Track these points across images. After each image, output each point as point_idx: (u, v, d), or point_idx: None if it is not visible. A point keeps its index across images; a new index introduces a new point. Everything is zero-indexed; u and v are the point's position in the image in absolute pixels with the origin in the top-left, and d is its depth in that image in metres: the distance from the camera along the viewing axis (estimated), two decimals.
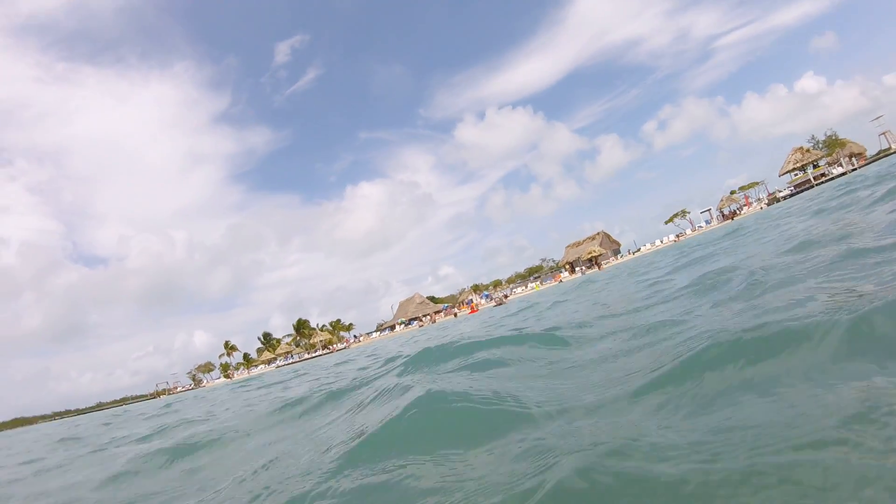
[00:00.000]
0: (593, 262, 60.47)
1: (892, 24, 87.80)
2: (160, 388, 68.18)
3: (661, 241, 57.98)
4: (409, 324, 66.50)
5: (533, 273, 68.84)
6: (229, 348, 71.27)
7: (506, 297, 58.72)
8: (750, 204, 52.96)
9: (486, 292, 68.29)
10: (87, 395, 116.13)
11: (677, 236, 56.80)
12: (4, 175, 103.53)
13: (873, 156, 46.61)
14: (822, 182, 43.78)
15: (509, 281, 70.10)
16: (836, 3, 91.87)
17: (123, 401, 71.70)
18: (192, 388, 66.43)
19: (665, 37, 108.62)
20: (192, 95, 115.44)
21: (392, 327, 68.62)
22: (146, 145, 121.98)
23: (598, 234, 61.82)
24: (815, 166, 47.77)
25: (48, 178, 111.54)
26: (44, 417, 68.45)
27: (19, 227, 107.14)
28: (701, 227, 56.43)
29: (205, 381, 69.31)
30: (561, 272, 64.06)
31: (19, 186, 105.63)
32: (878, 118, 46.09)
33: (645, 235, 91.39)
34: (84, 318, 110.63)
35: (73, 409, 70.60)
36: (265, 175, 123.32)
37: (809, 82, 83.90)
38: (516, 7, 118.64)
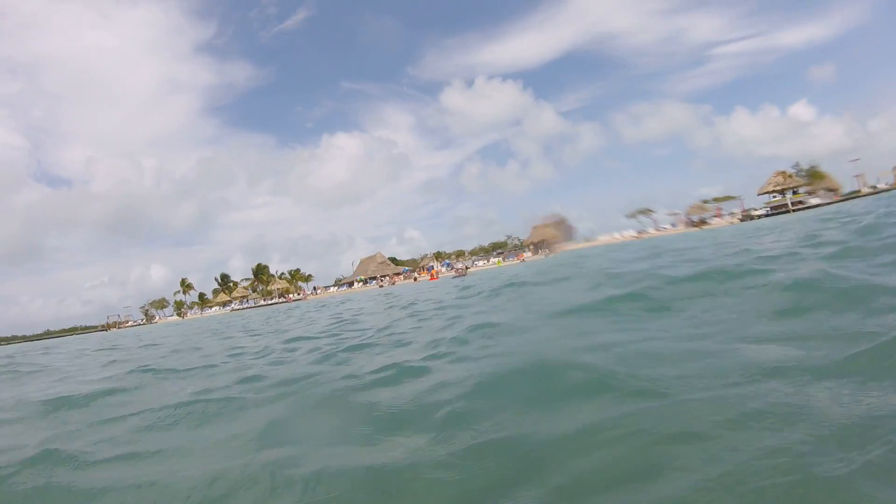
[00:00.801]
0: (547, 245, 59.78)
1: (888, 67, 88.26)
2: (111, 320, 67.65)
3: (621, 235, 57.08)
4: (368, 283, 66.13)
5: (497, 248, 68.26)
6: (185, 286, 70.38)
7: (467, 268, 58.21)
8: (721, 216, 51.93)
9: (447, 261, 67.59)
10: (36, 322, 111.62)
11: (639, 233, 55.90)
12: None
13: (845, 195, 46.07)
14: (799, 209, 42.97)
15: (472, 253, 69.51)
16: (841, 34, 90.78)
17: (73, 330, 71.12)
18: (144, 324, 66.27)
19: (655, 35, 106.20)
20: (177, 21, 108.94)
21: (350, 284, 68.23)
22: (125, 67, 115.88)
23: (556, 217, 61.00)
24: (794, 192, 46.77)
25: (18, 91, 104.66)
26: None
27: None
28: (665, 228, 55.35)
29: (157, 318, 69.01)
30: (525, 251, 63.40)
31: None
32: (855, 160, 46.65)
33: (603, 226, 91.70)
34: (41, 241, 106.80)
35: (20, 335, 70.18)
36: (242, 111, 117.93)
37: (802, 109, 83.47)
38: None
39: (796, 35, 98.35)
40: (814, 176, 49.16)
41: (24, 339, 66.94)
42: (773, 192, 48.51)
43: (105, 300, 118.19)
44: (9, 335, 68.98)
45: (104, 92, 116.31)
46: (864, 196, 42.84)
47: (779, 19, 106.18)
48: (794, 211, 43.60)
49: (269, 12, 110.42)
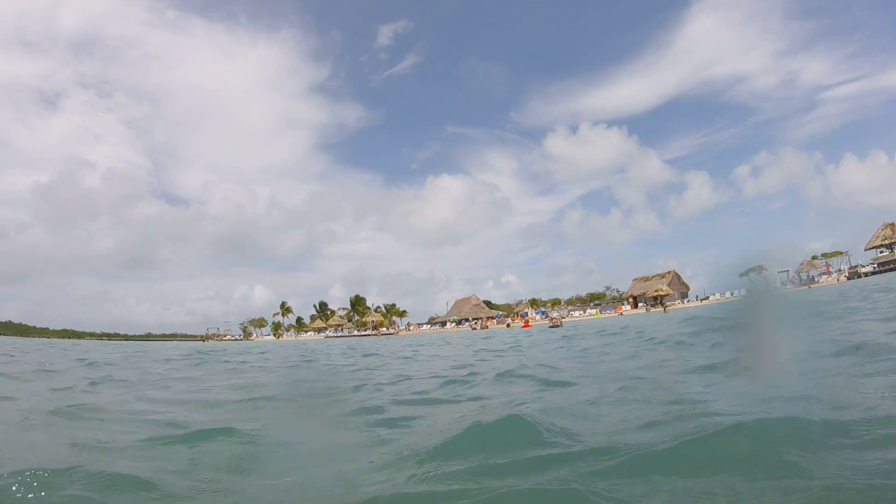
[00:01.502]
0: (658, 300, 61.38)
1: None
2: (210, 332, 69.50)
3: (732, 294, 58.66)
4: (461, 323, 67.56)
5: (595, 299, 69.72)
6: (285, 309, 72.79)
7: (561, 318, 59.49)
8: (830, 273, 53.50)
9: (542, 308, 69.28)
10: (140, 324, 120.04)
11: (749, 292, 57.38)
12: (103, 106, 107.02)
13: None
14: None
15: (569, 302, 71.05)
16: None
17: (173, 336, 73.04)
18: (241, 340, 67.64)
19: (772, 78, 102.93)
20: (294, 62, 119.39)
21: (443, 323, 69.66)
22: (243, 102, 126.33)
23: (669, 272, 62.97)
24: None
25: (144, 116, 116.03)
26: (92, 335, 69.82)
27: (108, 156, 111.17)
28: (776, 286, 57.12)
29: (254, 335, 70.52)
30: (623, 304, 64.78)
31: (115, 118, 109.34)
32: None
33: (716, 283, 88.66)
34: (154, 252, 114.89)
35: (121, 333, 72.34)
36: (351, 150, 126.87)
37: None
38: (625, 24, 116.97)
39: None
40: None
41: (126, 337, 68.64)
42: (881, 246, 47.53)
43: (208, 312, 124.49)
44: (111, 332, 71.13)
45: (224, 122, 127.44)
46: None
47: (884, 59, 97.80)
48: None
49: (380, 57, 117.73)
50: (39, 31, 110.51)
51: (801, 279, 55.37)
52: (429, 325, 70.89)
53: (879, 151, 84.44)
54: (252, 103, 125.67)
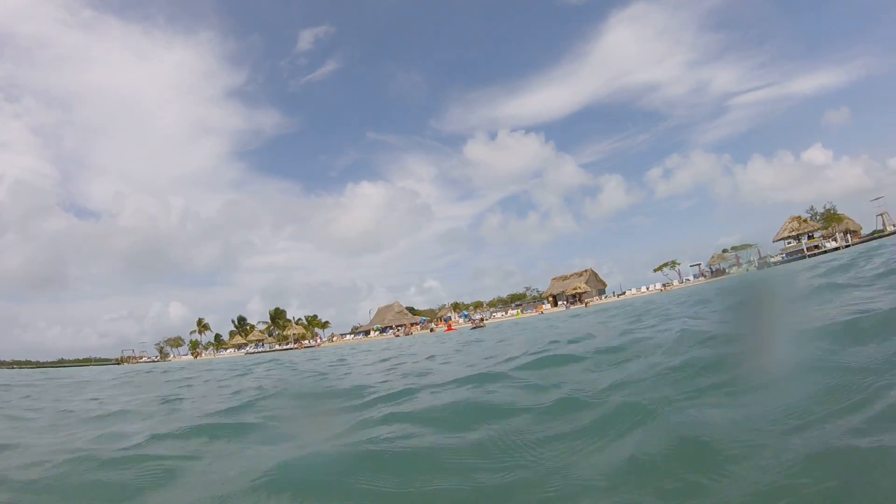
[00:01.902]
0: (577, 298, 59.80)
1: None
2: (125, 355, 67.54)
3: (647, 288, 57.27)
4: (385, 331, 65.80)
5: (515, 300, 68.05)
6: (202, 326, 70.80)
7: (483, 319, 58.04)
8: (739, 264, 52.34)
9: (465, 312, 67.51)
10: (52, 349, 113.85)
11: (664, 286, 56.04)
12: (10, 111, 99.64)
13: (867, 235, 46.13)
14: (815, 254, 43.23)
15: (491, 304, 69.33)
16: (855, 79, 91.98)
17: (87, 361, 70.95)
18: (157, 361, 65.79)
19: (683, 87, 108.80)
20: (211, 66, 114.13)
21: (367, 332, 67.91)
22: (157, 107, 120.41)
23: (586, 271, 61.20)
24: (809, 237, 47.35)
25: (53, 122, 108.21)
26: (2, 363, 67.49)
27: (15, 165, 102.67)
28: (689, 279, 55.68)
29: (171, 356, 68.64)
30: (544, 303, 63.39)
31: (23, 125, 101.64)
32: (878, 198, 45.74)
33: (632, 279, 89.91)
34: (64, 270, 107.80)
35: (33, 360, 70.16)
36: (268, 157, 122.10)
37: (816, 154, 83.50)
38: (544, 34, 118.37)
39: (808, 83, 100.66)
40: (830, 219, 49.13)
41: (38, 364, 66.63)
42: (789, 237, 48.09)
43: (122, 334, 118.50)
44: (22, 360, 68.98)
45: (136, 129, 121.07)
46: (889, 235, 41.54)
47: (792, 68, 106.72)
48: (809, 256, 43.87)
49: (299, 63, 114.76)
50: None
51: (711, 271, 54.16)
52: (352, 335, 69.09)
53: (786, 152, 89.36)
54: (166, 108, 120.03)
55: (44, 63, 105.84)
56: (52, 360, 71.13)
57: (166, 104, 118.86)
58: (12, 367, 63.05)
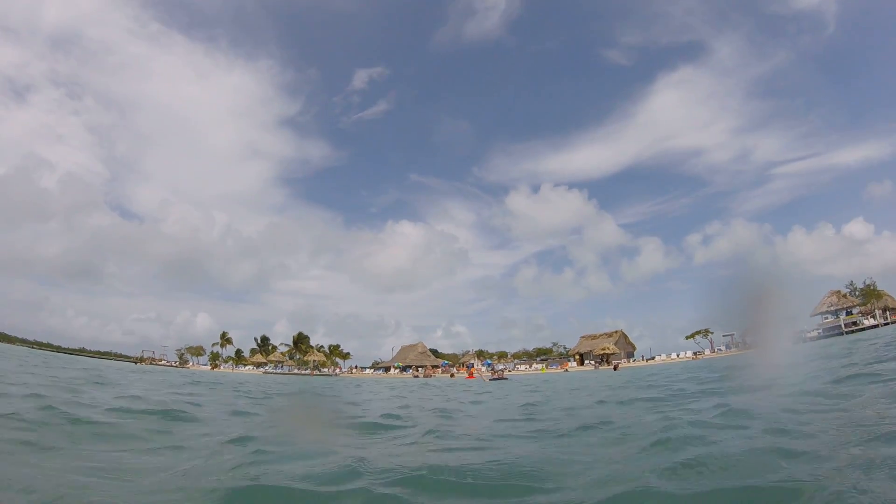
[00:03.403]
0: (605, 359, 59.10)
1: None
2: (145, 355, 67.30)
3: (678, 355, 56.62)
4: (405, 370, 65.01)
5: (541, 354, 67.18)
6: (225, 339, 70.82)
7: (504, 371, 57.19)
8: None
9: (488, 360, 66.70)
10: (75, 337, 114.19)
11: (695, 354, 55.42)
12: (70, 107, 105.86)
13: None
14: (852, 331, 43.14)
15: (516, 356, 68.43)
16: None
17: (107, 354, 70.51)
18: (176, 366, 65.40)
19: (727, 153, 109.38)
20: (267, 93, 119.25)
21: (387, 369, 67.09)
22: (211, 125, 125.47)
23: (616, 332, 61.10)
24: (848, 313, 47.49)
25: (109, 124, 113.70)
26: (24, 342, 67.61)
27: (68, 159, 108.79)
28: (720, 350, 55.16)
29: (190, 363, 68.12)
30: (570, 361, 62.59)
31: (80, 122, 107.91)
32: None
33: (662, 344, 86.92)
34: (101, 264, 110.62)
35: (54, 344, 69.99)
36: (313, 187, 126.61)
37: (858, 227, 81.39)
38: (592, 92, 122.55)
39: (853, 154, 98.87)
40: (869, 295, 48.37)
41: (58, 349, 66.35)
42: (827, 312, 47.77)
43: (146, 334, 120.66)
44: (44, 342, 68.77)
45: (187, 143, 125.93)
46: None
47: (835, 139, 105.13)
48: (846, 333, 43.64)
49: (352, 100, 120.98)
50: (22, 19, 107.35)
51: (745, 343, 53.41)
52: (372, 370, 68.20)
53: (827, 224, 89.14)
54: (219, 128, 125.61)
55: (107, 67, 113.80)
56: (73, 347, 71.09)
57: (220, 123, 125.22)
58: (33, 347, 63.27)
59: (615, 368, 51.96)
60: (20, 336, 67.82)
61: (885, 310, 45.58)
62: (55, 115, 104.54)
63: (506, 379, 37.14)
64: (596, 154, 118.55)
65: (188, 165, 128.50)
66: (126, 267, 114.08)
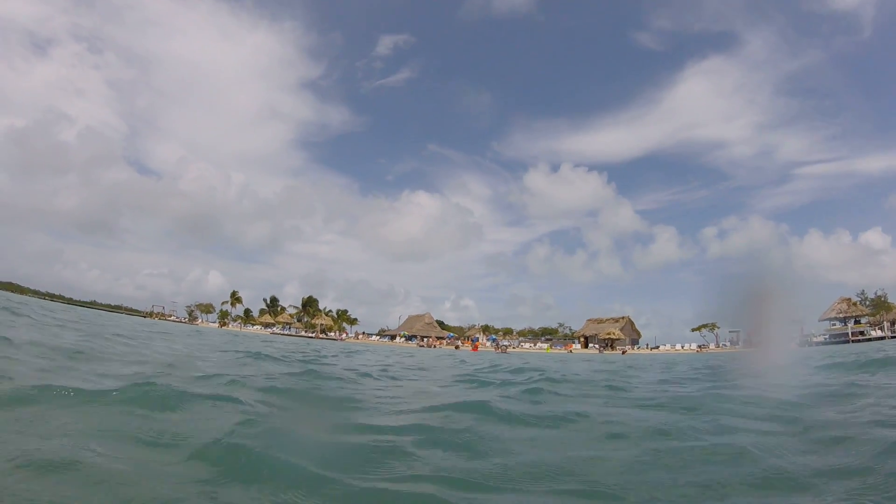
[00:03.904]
0: (609, 343, 60.24)
1: None
2: (156, 310, 68.15)
3: (682, 347, 57.69)
4: (410, 339, 66.17)
5: (546, 333, 68.44)
6: (235, 298, 71.49)
7: (507, 346, 58.66)
8: None
9: (493, 336, 67.92)
10: (87, 290, 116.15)
11: (700, 347, 56.43)
12: (91, 62, 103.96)
13: None
14: (859, 340, 43.77)
15: (521, 333, 69.72)
16: None
17: (118, 308, 71.50)
18: (185, 322, 66.28)
19: (750, 148, 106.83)
20: (290, 55, 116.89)
21: (393, 337, 68.27)
22: (232, 84, 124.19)
23: (623, 318, 61.90)
24: (856, 321, 48.03)
25: (130, 80, 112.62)
26: (35, 293, 68.52)
27: (87, 113, 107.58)
28: (725, 345, 56.15)
29: (200, 320, 69.09)
30: (574, 343, 63.72)
31: (101, 77, 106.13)
32: None
33: (668, 334, 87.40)
34: (116, 219, 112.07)
35: (66, 296, 70.80)
36: (331, 152, 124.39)
37: (875, 237, 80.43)
38: (617, 75, 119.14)
39: (877, 162, 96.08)
40: (879, 305, 48.80)
41: (70, 301, 67.10)
42: (835, 318, 48.19)
43: (157, 290, 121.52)
44: (56, 293, 69.67)
45: (208, 101, 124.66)
46: None
47: (861, 145, 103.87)
48: (853, 341, 44.40)
49: (375, 66, 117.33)
50: None
51: (750, 341, 54.40)
52: (378, 337, 69.41)
53: (844, 231, 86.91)
54: (240, 87, 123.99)
55: (131, 23, 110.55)
56: (84, 300, 71.83)
57: (241, 83, 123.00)
58: (44, 298, 63.72)
59: (623, 353, 53.34)
60: (32, 287, 68.47)
61: (893, 322, 46.15)
62: (76, 70, 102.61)
63: (505, 353, 39.66)
64: (618, 137, 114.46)
65: (207, 124, 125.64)
66: (141, 222, 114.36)
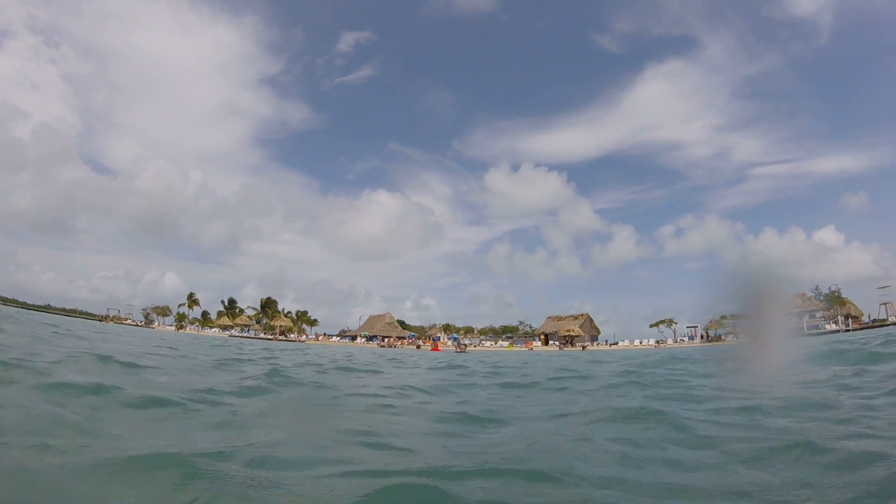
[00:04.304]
0: (569, 340, 59.18)
1: None
2: (111, 313, 67.08)
3: (641, 342, 56.67)
4: (371, 340, 65.07)
5: (507, 332, 67.24)
6: (192, 300, 70.40)
7: (467, 345, 57.73)
8: (736, 333, 51.62)
9: (454, 335, 66.74)
10: (42, 293, 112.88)
11: (658, 342, 55.36)
12: (47, 55, 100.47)
13: (868, 322, 45.67)
14: (814, 334, 42.74)
15: (482, 332, 68.51)
16: (877, 166, 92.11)
17: (73, 312, 70.32)
18: (141, 326, 65.25)
19: (707, 149, 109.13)
20: (249, 50, 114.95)
21: (354, 337, 67.17)
22: (190, 80, 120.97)
23: (582, 315, 60.74)
24: (811, 316, 46.92)
25: (86, 74, 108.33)
26: None
27: (42, 109, 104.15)
28: (683, 340, 54.99)
29: (156, 323, 68.01)
30: (535, 340, 62.67)
31: (56, 71, 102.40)
32: (884, 287, 45.67)
33: (626, 330, 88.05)
34: (71, 219, 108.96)
35: (20, 300, 69.55)
36: (290, 149, 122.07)
37: (829, 235, 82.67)
38: (579, 76, 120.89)
39: (831, 163, 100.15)
40: (833, 301, 48.57)
41: (24, 305, 66.05)
42: (790, 313, 48.17)
43: (113, 293, 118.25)
44: (9, 297, 68.51)
45: (166, 97, 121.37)
46: (890, 325, 41.70)
47: (816, 147, 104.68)
48: (808, 335, 43.55)
49: (336, 63, 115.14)
50: None
51: (707, 335, 53.58)
52: (338, 338, 68.27)
53: (798, 229, 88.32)
54: (198, 83, 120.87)
55: (89, 15, 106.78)
56: (39, 303, 70.71)
57: (199, 79, 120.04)
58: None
59: (583, 349, 52.42)
60: None
61: (847, 316, 44.94)
62: (31, 63, 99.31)
63: (464, 352, 38.94)
64: (578, 137, 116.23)
65: (165, 120, 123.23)
66: (97, 222, 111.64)
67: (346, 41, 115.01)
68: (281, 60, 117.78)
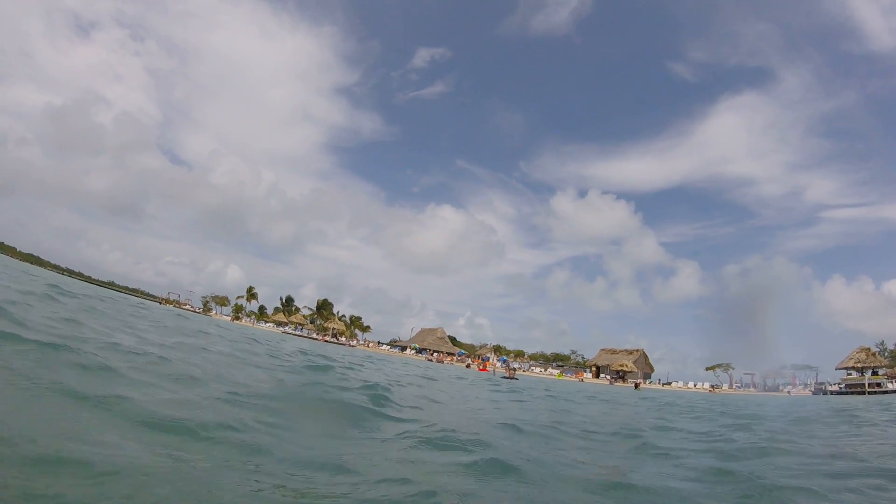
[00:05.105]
0: (621, 375, 60.00)
1: None
2: (171, 297, 68.32)
3: (695, 385, 57.37)
4: (421, 352, 66.04)
5: (559, 359, 68.15)
6: (251, 294, 71.72)
7: (515, 370, 58.02)
8: (795, 385, 52.70)
9: (504, 357, 67.75)
10: (106, 271, 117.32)
11: (713, 387, 56.04)
12: (133, 48, 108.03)
13: None
14: (875, 392, 43.53)
15: (533, 357, 69.45)
16: None
17: (135, 291, 71.70)
18: (199, 312, 66.38)
19: (778, 188, 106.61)
20: (327, 59, 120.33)
21: (404, 348, 68.13)
22: (268, 83, 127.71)
23: (637, 350, 61.86)
24: (874, 372, 47.92)
25: (168, 69, 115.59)
26: (56, 268, 68.75)
27: (124, 99, 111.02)
28: (739, 387, 55.86)
29: (213, 312, 69.17)
30: (586, 372, 63.45)
31: (140, 64, 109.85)
32: None
33: (681, 371, 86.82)
34: (143, 204, 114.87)
35: (85, 274, 70.96)
36: (360, 158, 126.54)
37: None
38: (652, 103, 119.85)
39: None
40: None
41: (89, 279, 67.29)
42: (852, 368, 47.49)
43: (176, 278, 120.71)
44: (76, 270, 69.89)
45: (243, 98, 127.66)
46: None
47: (890, 191, 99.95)
48: (869, 393, 43.11)
49: (410, 77, 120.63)
50: None
51: (765, 384, 54.45)
52: (388, 347, 69.24)
53: (867, 278, 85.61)
54: (276, 87, 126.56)
55: (174, 13, 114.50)
56: (103, 279, 71.96)
57: (277, 83, 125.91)
58: (63, 274, 64.05)
59: (636, 387, 52.50)
60: (53, 262, 68.87)
61: None
62: (116, 55, 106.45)
63: (515, 379, 34.82)
64: (647, 167, 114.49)
65: (241, 120, 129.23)
66: (168, 210, 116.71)
67: (421, 56, 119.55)
68: (357, 71, 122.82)
